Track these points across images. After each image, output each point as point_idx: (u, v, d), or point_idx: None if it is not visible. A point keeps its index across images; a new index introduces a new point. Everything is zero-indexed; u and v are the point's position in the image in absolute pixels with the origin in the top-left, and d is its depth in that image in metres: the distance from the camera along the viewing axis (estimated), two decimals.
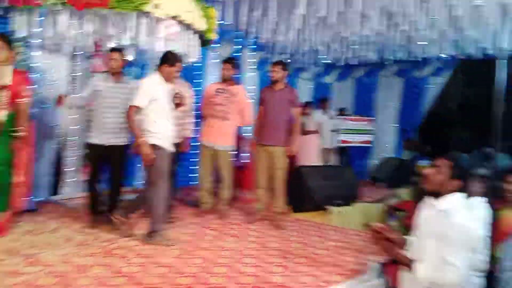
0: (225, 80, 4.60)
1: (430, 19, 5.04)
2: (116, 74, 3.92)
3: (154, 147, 3.43)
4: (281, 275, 2.94)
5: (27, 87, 3.50)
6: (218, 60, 6.87)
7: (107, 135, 3.82)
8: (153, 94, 3.47)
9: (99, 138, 3.84)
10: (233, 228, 4.08)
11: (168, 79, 3.61)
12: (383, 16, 5.12)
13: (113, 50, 3.99)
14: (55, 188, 4.92)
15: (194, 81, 6.43)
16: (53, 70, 4.81)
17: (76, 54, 4.94)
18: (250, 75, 7.20)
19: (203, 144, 4.57)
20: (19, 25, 4.16)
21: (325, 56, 7.34)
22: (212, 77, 6.80)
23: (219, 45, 6.45)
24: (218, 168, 4.56)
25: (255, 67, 7.42)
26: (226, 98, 4.52)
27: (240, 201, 5.15)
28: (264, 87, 4.66)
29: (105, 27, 4.37)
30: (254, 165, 4.57)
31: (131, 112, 3.46)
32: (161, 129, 3.51)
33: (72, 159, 5.07)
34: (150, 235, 3.48)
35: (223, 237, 3.77)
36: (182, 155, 4.77)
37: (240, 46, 7.07)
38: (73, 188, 5.10)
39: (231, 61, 4.67)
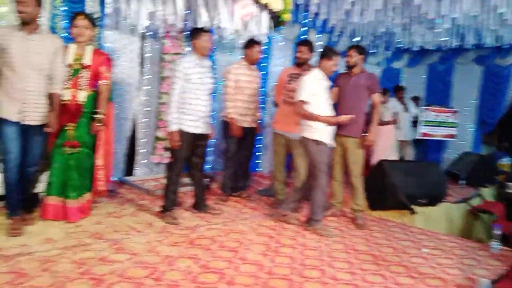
0: (300, 64, 4.33)
1: None
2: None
3: (316, 142, 3.54)
4: (383, 286, 2.70)
5: (108, 68, 3.41)
6: (283, 43, 6.61)
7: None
8: (315, 89, 3.54)
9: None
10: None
11: (326, 73, 3.64)
12: None
13: (202, 30, 3.72)
14: (128, 169, 4.94)
15: (260, 65, 6.20)
16: (124, 51, 4.76)
17: (146, 35, 4.85)
18: (316, 59, 6.85)
19: (276, 132, 4.36)
20: (93, 5, 4.11)
21: (401, 40, 6.83)
22: (277, 61, 6.55)
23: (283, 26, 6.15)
24: (293, 158, 4.35)
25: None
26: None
27: None
28: (340, 73, 4.36)
29: (179, 7, 4.26)
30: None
31: (300, 106, 3.54)
32: (322, 124, 3.55)
33: (144, 140, 5.05)
34: (309, 222, 3.66)
35: (303, 233, 3.58)
36: (255, 140, 4.63)
37: (306, 28, 6.72)
38: (146, 169, 5.12)
39: (308, 44, 4.36)
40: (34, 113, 2.98)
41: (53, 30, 4.07)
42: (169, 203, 3.63)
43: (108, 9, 4.09)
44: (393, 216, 4.38)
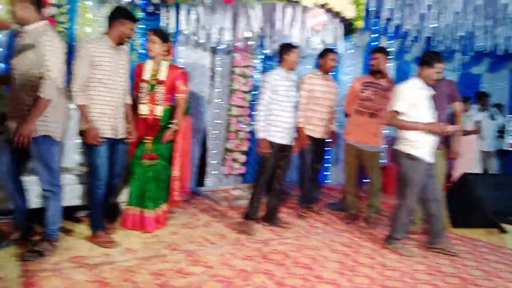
0: (374, 72, 4.14)
1: None
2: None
3: (410, 156, 3.27)
4: None
5: (184, 82, 3.50)
6: (352, 50, 6.42)
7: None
8: (412, 99, 3.27)
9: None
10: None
11: (428, 82, 3.34)
12: None
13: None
14: (200, 180, 5.04)
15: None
16: (196, 65, 4.89)
17: (217, 49, 4.95)
18: (388, 66, 6.56)
19: (348, 143, 4.20)
20: (168, 20, 4.28)
21: (481, 43, 6.32)
22: (346, 69, 6.38)
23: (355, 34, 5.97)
24: (366, 171, 4.16)
25: (393, 57, 6.75)
26: (375, 93, 4.07)
27: (386, 208, 4.67)
28: None
29: (248, 20, 4.30)
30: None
31: (393, 117, 3.30)
32: (420, 137, 3.27)
33: (215, 151, 5.14)
34: (389, 241, 3.43)
35: (380, 252, 3.37)
36: (326, 152, 4.51)
37: (377, 34, 6.47)
38: (216, 180, 5.19)
39: (382, 51, 4.16)
40: (122, 126, 3.13)
41: (131, 47, 4.30)
42: (253, 211, 3.64)
43: (182, 26, 4.23)
44: (479, 234, 4.00)
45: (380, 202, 4.17)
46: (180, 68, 3.63)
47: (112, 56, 2.97)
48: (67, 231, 3.24)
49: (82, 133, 2.95)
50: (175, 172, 3.53)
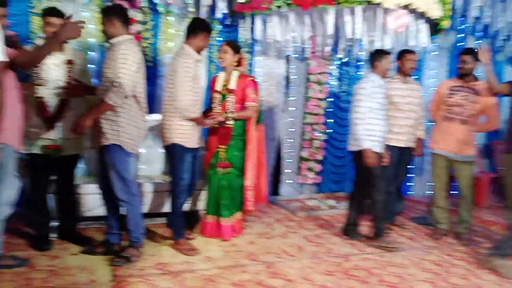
0: (463, 75, 3.79)
1: None
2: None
3: None
4: None
5: (254, 90, 3.46)
6: (437, 52, 5.99)
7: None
8: None
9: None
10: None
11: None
12: None
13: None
14: (274, 189, 5.01)
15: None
16: (271, 75, 4.87)
17: (292, 56, 4.90)
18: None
19: (435, 153, 3.88)
20: (245, 32, 4.32)
21: None
22: (431, 72, 5.97)
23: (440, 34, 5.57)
24: (457, 182, 3.81)
25: None
26: (465, 97, 3.72)
27: (478, 223, 4.26)
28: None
29: (325, 26, 4.20)
30: (503, 179, 3.62)
31: None
32: None
33: (289, 160, 5.08)
34: (491, 257, 3.14)
35: (476, 272, 3.04)
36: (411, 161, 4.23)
37: (463, 35, 5.97)
38: (291, 189, 5.13)
39: (471, 52, 3.79)
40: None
41: (210, 59, 4.42)
42: (381, 228, 3.46)
43: (257, 36, 4.26)
44: None
45: (471, 216, 3.80)
46: (250, 76, 3.62)
47: (200, 67, 3.16)
48: (152, 237, 3.37)
49: (168, 146, 3.08)
50: (247, 181, 3.50)
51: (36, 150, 2.86)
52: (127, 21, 2.83)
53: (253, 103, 3.45)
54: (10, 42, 2.52)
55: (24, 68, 2.64)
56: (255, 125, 3.54)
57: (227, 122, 3.40)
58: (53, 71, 2.89)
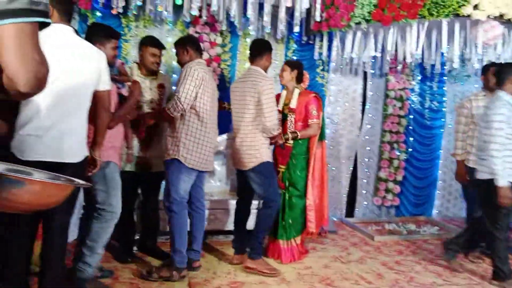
0: None
1: None
2: None
3: None
4: None
5: (316, 107, 3.38)
6: None
7: None
8: None
9: None
10: None
11: None
12: None
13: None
14: (349, 210, 4.84)
15: None
16: (347, 91, 4.77)
17: (369, 73, 4.75)
18: None
19: None
20: (320, 50, 4.28)
21: None
22: None
23: None
24: None
25: None
26: None
27: None
28: None
29: (406, 40, 4.03)
30: None
31: None
32: None
33: (366, 180, 4.88)
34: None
35: None
36: None
37: None
38: (367, 211, 4.91)
39: None
40: None
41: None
42: (503, 270, 3.03)
43: (334, 53, 4.20)
44: None
45: None
46: (312, 93, 3.55)
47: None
48: (221, 254, 3.41)
49: (259, 165, 3.07)
50: (309, 201, 3.40)
51: (128, 168, 3.07)
52: (199, 49, 3.03)
53: (315, 120, 3.38)
54: (118, 71, 2.82)
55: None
56: (318, 142, 3.47)
57: (288, 142, 3.36)
58: (148, 94, 3.14)
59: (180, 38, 3.18)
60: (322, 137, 3.55)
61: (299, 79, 3.48)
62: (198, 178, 3.01)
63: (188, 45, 2.96)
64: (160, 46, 3.12)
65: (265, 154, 3.08)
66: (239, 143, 3.10)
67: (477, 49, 3.98)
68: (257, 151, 3.04)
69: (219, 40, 4.10)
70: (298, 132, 3.35)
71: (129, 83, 2.84)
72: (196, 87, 2.81)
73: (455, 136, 3.68)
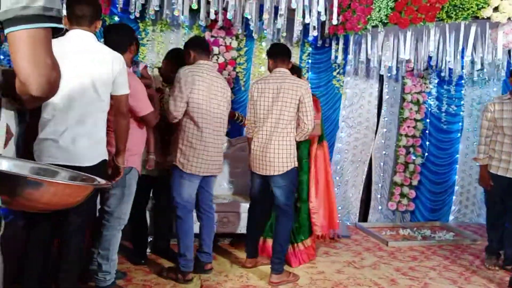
0: None
1: None
2: None
3: None
4: None
5: (314, 108, 3.15)
6: None
7: None
8: None
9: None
10: None
11: None
12: None
13: None
14: (364, 214, 4.80)
15: None
16: (362, 95, 4.73)
17: (386, 76, 4.70)
18: None
19: None
20: (336, 53, 4.26)
21: None
22: None
23: None
24: None
25: None
26: None
27: None
28: None
29: (424, 43, 3.98)
30: None
31: None
32: None
33: (381, 184, 4.84)
34: None
35: None
36: None
37: None
38: (381, 216, 4.86)
39: None
40: None
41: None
42: None
43: (350, 56, 4.18)
44: None
45: None
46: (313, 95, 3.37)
47: None
48: (236, 257, 3.42)
49: (288, 172, 2.96)
50: (312, 204, 3.34)
51: (144, 172, 3.02)
52: (204, 50, 2.95)
53: (316, 121, 3.19)
54: (141, 74, 2.85)
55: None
56: (319, 144, 3.39)
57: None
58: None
59: (186, 43, 3.08)
60: (322, 138, 3.47)
61: None
62: (204, 182, 2.96)
63: (189, 48, 2.92)
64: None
65: (294, 160, 2.96)
66: (272, 146, 2.91)
67: (497, 52, 3.91)
68: (291, 155, 2.94)
69: (234, 43, 4.13)
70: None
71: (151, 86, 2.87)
72: (186, 92, 2.73)
73: (479, 140, 3.64)
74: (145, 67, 3.06)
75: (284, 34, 3.87)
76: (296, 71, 3.31)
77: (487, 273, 3.42)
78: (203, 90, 2.79)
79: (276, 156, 2.91)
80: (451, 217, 5.06)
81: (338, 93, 4.58)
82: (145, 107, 2.58)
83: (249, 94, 3.17)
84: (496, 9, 3.58)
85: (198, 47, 2.93)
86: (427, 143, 4.90)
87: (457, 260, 3.72)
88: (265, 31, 4.06)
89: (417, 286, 3.08)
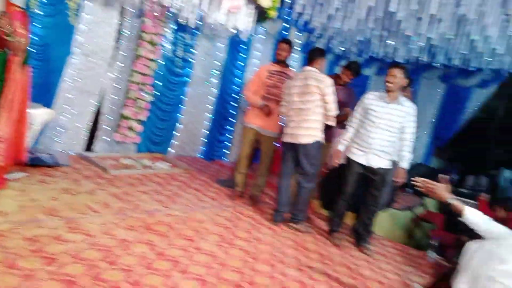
0: (279, 61, 4.38)
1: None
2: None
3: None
4: (327, 285, 2.86)
5: (22, 24, 2.97)
6: (264, 37, 6.64)
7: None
8: None
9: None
10: (268, 219, 3.98)
11: None
12: (454, 22, 4.82)
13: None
14: (88, 144, 4.83)
15: (240, 54, 6.23)
16: (101, 24, 4.62)
17: (126, 10, 4.72)
18: (294, 57, 6.95)
19: (247, 126, 4.41)
20: None
21: (375, 50, 7.03)
22: (256, 54, 6.59)
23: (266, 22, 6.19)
24: (261, 153, 4.44)
25: (299, 49, 7.17)
26: (280, 81, 4.31)
27: (272, 188, 5.07)
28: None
29: None
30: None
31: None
32: None
33: (109, 117, 4.95)
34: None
35: (259, 228, 3.69)
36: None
37: (288, 25, 6.78)
38: (106, 146, 5.02)
39: (288, 42, 4.41)
40: None
41: None
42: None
43: None
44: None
45: (265, 182, 4.49)
46: (17, 6, 3.06)
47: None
48: None
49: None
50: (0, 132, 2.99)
51: None
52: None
53: (21, 39, 2.93)
54: None
55: None
56: (22, 66, 3.05)
57: None
58: None
59: None
60: (25, 61, 3.08)
61: None
62: None
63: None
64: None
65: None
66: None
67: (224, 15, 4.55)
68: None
69: None
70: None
71: None
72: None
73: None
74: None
75: None
76: None
77: (188, 196, 4.18)
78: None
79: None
80: (171, 150, 5.76)
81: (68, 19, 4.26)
82: None
83: None
84: None
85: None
86: (160, 83, 5.30)
87: (167, 186, 4.35)
88: None
89: (128, 208, 3.45)
